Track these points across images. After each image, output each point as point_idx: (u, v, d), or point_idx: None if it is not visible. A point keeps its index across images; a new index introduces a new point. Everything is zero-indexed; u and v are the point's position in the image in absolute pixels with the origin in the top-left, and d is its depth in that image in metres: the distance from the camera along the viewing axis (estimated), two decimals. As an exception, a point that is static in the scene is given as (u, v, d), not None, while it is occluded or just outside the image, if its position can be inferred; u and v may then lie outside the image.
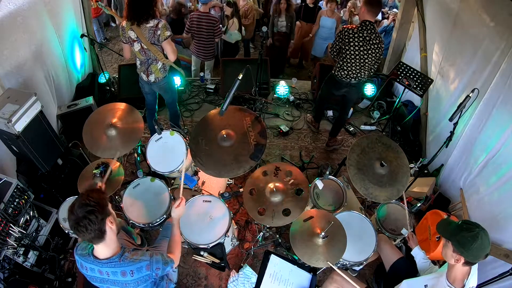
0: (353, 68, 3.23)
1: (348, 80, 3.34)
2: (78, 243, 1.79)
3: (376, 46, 3.09)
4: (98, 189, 1.65)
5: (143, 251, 1.73)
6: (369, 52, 3.10)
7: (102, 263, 1.64)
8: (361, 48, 3.09)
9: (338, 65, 3.33)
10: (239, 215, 3.32)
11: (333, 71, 3.44)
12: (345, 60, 3.21)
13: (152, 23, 2.86)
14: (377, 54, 3.15)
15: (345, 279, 2.15)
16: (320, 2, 5.88)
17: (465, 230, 1.67)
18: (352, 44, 3.08)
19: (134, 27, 2.86)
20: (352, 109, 4.42)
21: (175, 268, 2.27)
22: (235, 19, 5.07)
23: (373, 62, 3.20)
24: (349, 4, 5.77)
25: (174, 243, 2.00)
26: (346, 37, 3.08)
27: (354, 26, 3.10)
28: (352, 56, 3.15)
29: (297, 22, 5.49)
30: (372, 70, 3.32)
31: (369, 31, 3.03)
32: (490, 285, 2.32)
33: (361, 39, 3.05)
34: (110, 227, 1.61)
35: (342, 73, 3.32)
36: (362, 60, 3.16)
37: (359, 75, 3.28)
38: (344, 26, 3.17)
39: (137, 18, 2.82)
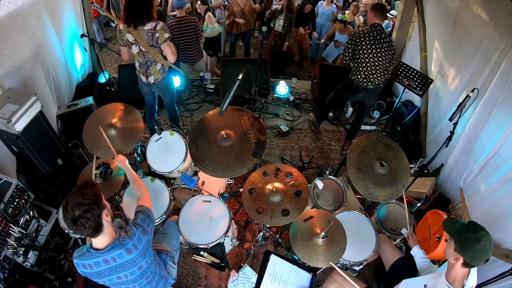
0: (368, 69, 3.29)
1: (365, 84, 3.38)
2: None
3: (387, 44, 3.21)
4: (91, 184, 1.65)
5: (129, 226, 1.75)
6: (382, 51, 3.21)
7: (105, 252, 1.66)
8: (373, 47, 3.19)
9: (354, 69, 3.40)
10: (239, 215, 3.32)
11: (350, 76, 3.50)
12: (359, 61, 3.29)
13: (150, 25, 2.85)
14: (389, 54, 3.25)
15: (345, 279, 2.15)
16: (320, 3, 5.90)
17: (470, 231, 1.66)
18: (364, 43, 3.20)
19: (131, 30, 2.85)
20: (351, 109, 4.43)
21: (174, 264, 2.27)
22: (209, 13, 5.09)
23: (387, 61, 3.28)
24: (351, 7, 5.81)
25: (135, 185, 2.03)
26: (358, 38, 3.22)
27: (364, 28, 3.25)
28: (365, 56, 3.23)
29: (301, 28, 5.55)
30: (388, 73, 3.38)
31: (378, 31, 3.19)
32: (490, 285, 2.32)
33: (371, 38, 3.18)
34: (106, 220, 1.64)
35: (359, 76, 3.37)
36: (375, 60, 3.24)
37: (375, 77, 3.33)
38: (356, 30, 3.31)
39: (134, 21, 2.81)
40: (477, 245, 1.61)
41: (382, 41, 3.19)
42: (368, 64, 3.26)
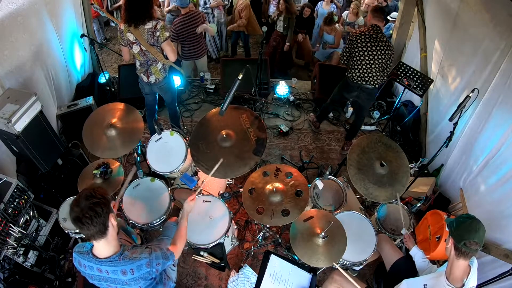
0: (363, 67, 3.31)
1: (359, 82, 3.40)
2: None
3: (384, 44, 3.22)
4: (103, 188, 1.65)
5: (142, 249, 1.72)
6: (378, 50, 3.22)
7: (101, 262, 1.64)
8: (369, 45, 3.22)
9: (350, 67, 3.43)
10: (239, 215, 3.32)
11: (346, 73, 3.53)
12: (354, 59, 3.32)
13: (150, 24, 2.85)
14: (386, 54, 3.25)
15: (345, 279, 2.15)
16: (320, 3, 5.90)
17: (465, 215, 1.81)
18: (360, 42, 3.24)
19: (132, 29, 2.85)
20: (352, 109, 4.43)
21: (174, 266, 2.27)
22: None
23: (383, 62, 3.27)
24: (352, 5, 5.80)
25: (178, 235, 2.01)
26: (354, 37, 3.28)
27: (362, 29, 3.31)
28: (361, 54, 3.26)
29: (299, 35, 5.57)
30: (384, 75, 3.38)
31: (375, 31, 3.23)
32: (490, 285, 2.32)
33: (367, 37, 3.23)
34: (112, 224, 1.61)
35: (354, 74, 3.39)
36: (371, 58, 3.26)
37: (370, 76, 3.33)
38: (354, 31, 3.37)
39: (134, 20, 2.81)
40: (464, 224, 1.73)
41: (378, 40, 3.21)
42: (364, 62, 3.28)
